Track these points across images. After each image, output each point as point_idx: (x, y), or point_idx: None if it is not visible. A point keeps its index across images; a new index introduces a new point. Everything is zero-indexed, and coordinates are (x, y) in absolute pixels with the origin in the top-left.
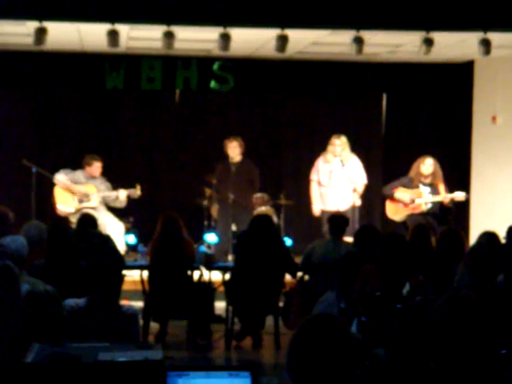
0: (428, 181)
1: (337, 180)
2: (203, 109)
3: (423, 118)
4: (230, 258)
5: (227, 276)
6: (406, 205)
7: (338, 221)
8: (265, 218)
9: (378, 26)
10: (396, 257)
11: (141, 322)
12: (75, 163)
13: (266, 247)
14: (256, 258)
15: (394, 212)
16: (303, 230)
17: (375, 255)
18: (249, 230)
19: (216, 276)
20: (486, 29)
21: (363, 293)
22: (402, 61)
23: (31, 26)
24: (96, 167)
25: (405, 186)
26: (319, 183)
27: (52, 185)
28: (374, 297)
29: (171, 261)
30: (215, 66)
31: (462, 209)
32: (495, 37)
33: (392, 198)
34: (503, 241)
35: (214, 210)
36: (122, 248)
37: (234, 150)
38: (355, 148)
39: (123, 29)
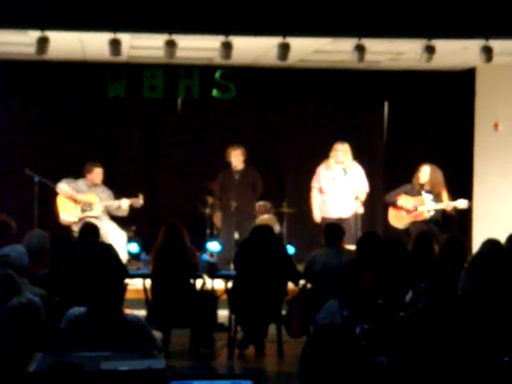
0: (427, 188)
1: (339, 187)
2: (205, 117)
3: (425, 126)
4: (233, 266)
5: (230, 284)
6: (408, 211)
7: (334, 230)
8: (265, 227)
9: (379, 34)
10: (396, 264)
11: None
12: (77, 172)
13: (267, 256)
14: (258, 266)
15: (397, 219)
16: (306, 238)
17: (377, 263)
18: (250, 238)
19: (219, 284)
20: (487, 36)
21: (366, 300)
22: (404, 68)
23: (33, 35)
24: (97, 174)
25: (407, 193)
26: (320, 190)
27: (54, 194)
28: (377, 304)
29: (174, 269)
30: (217, 75)
31: (465, 216)
32: (497, 44)
33: (395, 206)
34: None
35: (217, 218)
36: (124, 257)
37: (238, 158)
38: (357, 156)
39: (125, 38)
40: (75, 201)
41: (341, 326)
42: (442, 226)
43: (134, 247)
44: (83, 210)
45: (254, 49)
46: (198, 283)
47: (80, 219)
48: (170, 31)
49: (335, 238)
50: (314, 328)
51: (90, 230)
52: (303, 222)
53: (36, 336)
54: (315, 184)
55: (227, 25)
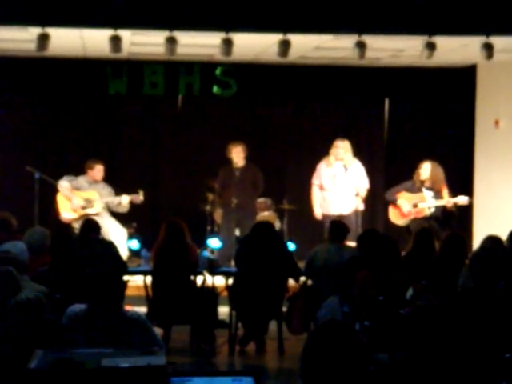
0: (428, 185)
1: (340, 184)
2: (206, 114)
3: (426, 123)
4: (234, 263)
5: (230, 281)
6: (403, 215)
7: (339, 227)
8: (266, 224)
9: (380, 31)
10: (387, 261)
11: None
12: (78, 169)
13: (268, 253)
14: (259, 263)
15: (397, 216)
16: (306, 235)
17: (369, 261)
18: (250, 235)
19: (219, 281)
20: (488, 33)
21: (362, 298)
22: (405, 65)
23: (34, 31)
24: (98, 170)
25: (408, 190)
26: (321, 187)
27: (55, 191)
28: (378, 301)
29: (174, 266)
30: (218, 71)
31: (465, 213)
32: (498, 41)
33: (395, 203)
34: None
35: (217, 215)
36: (125, 253)
37: (239, 155)
38: (357, 153)
39: (125, 34)
40: (71, 201)
41: (342, 323)
42: (443, 222)
43: (135, 244)
44: (84, 207)
45: (255, 45)
46: (199, 280)
47: (81, 216)
48: (171, 28)
49: (339, 235)
50: (314, 325)
51: (91, 227)
52: (304, 219)
53: (43, 331)
54: (315, 181)
55: (228, 21)
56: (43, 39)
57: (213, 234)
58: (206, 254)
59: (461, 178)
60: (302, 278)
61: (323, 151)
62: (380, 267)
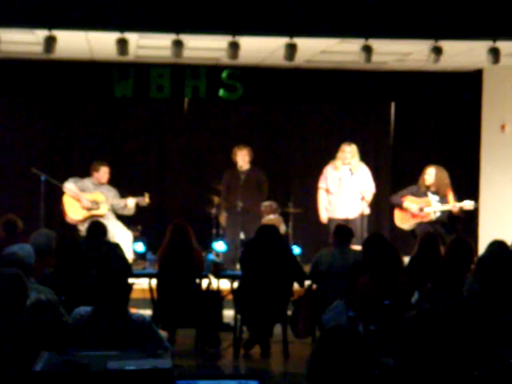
0: (433, 189)
1: (346, 188)
2: (212, 117)
3: (432, 127)
4: (239, 266)
5: (235, 284)
6: (414, 215)
7: (343, 231)
8: (270, 227)
9: (386, 35)
10: (386, 266)
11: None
12: (84, 172)
13: (273, 256)
14: (264, 266)
15: (403, 220)
16: (312, 239)
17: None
18: (255, 238)
19: (224, 284)
20: (494, 37)
21: (364, 303)
22: (411, 69)
23: (40, 34)
24: (103, 172)
25: (413, 194)
26: (327, 191)
27: (61, 193)
28: (383, 305)
29: (180, 269)
30: (224, 75)
31: (471, 217)
32: (504, 45)
33: (400, 207)
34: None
35: (223, 219)
36: (130, 256)
37: (244, 158)
38: (363, 156)
39: (132, 37)
40: (81, 200)
41: (348, 328)
42: (448, 227)
43: (140, 247)
44: (90, 209)
45: (261, 49)
46: (204, 283)
47: (86, 218)
48: (178, 31)
49: (343, 239)
50: (319, 329)
51: (97, 229)
52: (309, 223)
53: (56, 333)
54: (322, 185)
55: (234, 25)
56: (50, 42)
57: (218, 237)
58: (212, 257)
59: (467, 183)
60: (307, 282)
61: (329, 155)
62: (381, 272)
